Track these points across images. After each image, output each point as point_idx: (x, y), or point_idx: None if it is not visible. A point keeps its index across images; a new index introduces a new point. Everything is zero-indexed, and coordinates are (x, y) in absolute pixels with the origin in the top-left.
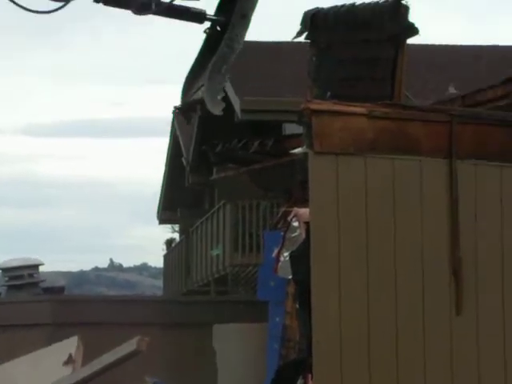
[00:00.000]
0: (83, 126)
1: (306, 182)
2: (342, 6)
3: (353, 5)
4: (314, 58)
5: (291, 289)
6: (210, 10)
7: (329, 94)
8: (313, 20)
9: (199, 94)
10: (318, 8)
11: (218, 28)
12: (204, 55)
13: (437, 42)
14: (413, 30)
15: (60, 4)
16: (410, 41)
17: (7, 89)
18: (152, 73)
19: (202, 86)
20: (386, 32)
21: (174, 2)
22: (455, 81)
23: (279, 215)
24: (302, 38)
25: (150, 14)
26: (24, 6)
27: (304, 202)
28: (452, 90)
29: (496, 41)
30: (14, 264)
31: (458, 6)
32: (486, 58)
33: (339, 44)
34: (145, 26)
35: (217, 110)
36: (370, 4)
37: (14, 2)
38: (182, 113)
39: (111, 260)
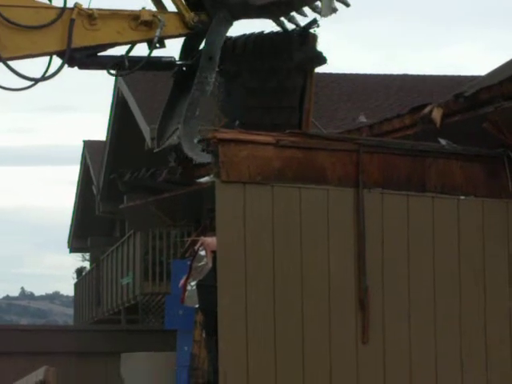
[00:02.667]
0: None
1: (214, 211)
2: (251, 34)
3: (261, 33)
4: (222, 87)
5: (199, 318)
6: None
7: (237, 122)
8: (221, 48)
9: (174, 139)
10: (226, 36)
11: (184, 69)
12: (174, 99)
13: (348, 71)
14: (321, 59)
15: (30, 83)
16: (321, 69)
17: None
18: (60, 100)
19: (176, 129)
20: (294, 61)
21: (144, 55)
22: (366, 110)
23: (187, 244)
24: None
25: (124, 71)
26: None
27: (212, 231)
28: (362, 119)
29: (406, 70)
30: None
31: (368, 37)
32: (397, 87)
33: (247, 72)
34: None
35: (195, 153)
36: (278, 33)
37: None
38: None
39: (22, 288)
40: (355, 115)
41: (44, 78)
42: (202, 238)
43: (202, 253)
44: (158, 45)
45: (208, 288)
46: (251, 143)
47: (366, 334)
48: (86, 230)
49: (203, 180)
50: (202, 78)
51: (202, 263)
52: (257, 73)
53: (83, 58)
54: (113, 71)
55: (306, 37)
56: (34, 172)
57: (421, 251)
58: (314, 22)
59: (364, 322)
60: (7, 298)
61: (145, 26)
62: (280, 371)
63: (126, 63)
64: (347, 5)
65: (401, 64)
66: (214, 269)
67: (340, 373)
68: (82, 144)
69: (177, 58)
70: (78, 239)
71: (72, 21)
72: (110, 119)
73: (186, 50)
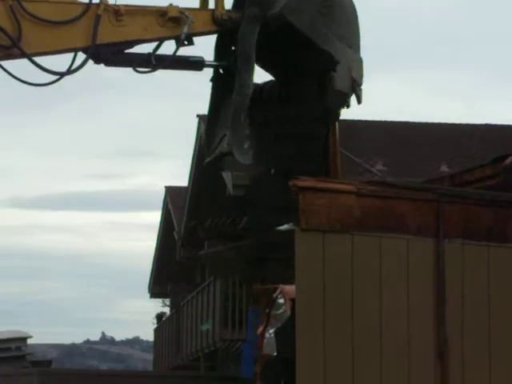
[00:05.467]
0: (71, 199)
1: (293, 259)
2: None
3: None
4: (252, 135)
5: (258, 369)
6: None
7: (273, 170)
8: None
9: (224, 147)
10: (254, 83)
11: (221, 71)
12: (216, 103)
13: (430, 120)
14: (333, 115)
15: (55, 77)
16: (403, 117)
17: None
18: (141, 146)
19: (224, 136)
20: (314, 112)
21: (172, 54)
22: (448, 159)
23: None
24: None
25: (151, 68)
26: (21, 78)
27: (291, 279)
28: (444, 169)
29: (487, 120)
30: (1, 337)
31: (446, 87)
32: (480, 137)
33: (274, 120)
34: (135, 100)
35: (245, 159)
36: (297, 81)
37: (12, 75)
38: (211, 166)
39: (103, 333)
40: (437, 164)
41: (69, 71)
42: (281, 286)
43: (281, 300)
44: (186, 42)
45: (286, 336)
46: (331, 192)
47: None
48: (166, 275)
49: (283, 228)
50: (241, 80)
51: (281, 311)
52: (283, 120)
53: (109, 54)
54: (140, 69)
55: (323, 88)
56: (114, 217)
57: (502, 303)
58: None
59: (443, 374)
60: (88, 342)
61: (172, 22)
62: None
63: (153, 61)
64: (359, 102)
65: (482, 114)
66: (292, 317)
67: None
68: (163, 190)
69: (209, 58)
70: (159, 285)
71: (98, 16)
72: (191, 165)
73: (218, 51)
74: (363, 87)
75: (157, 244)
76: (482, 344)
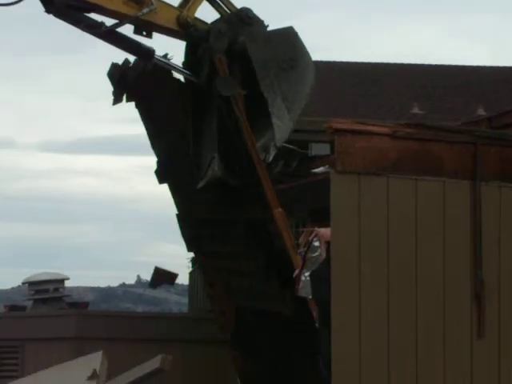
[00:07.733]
0: (103, 143)
1: (328, 202)
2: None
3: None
4: None
5: None
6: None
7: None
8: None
9: (216, 171)
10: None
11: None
12: (197, 123)
13: (467, 63)
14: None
15: None
16: (438, 61)
17: (26, 106)
18: None
19: (213, 158)
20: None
21: (124, 33)
22: (485, 102)
23: (302, 235)
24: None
25: (98, 33)
26: None
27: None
28: (481, 112)
29: None
30: (40, 278)
31: (475, 30)
32: None
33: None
34: (167, 45)
35: (239, 182)
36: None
37: None
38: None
39: (138, 276)
40: (474, 108)
41: None
42: (316, 229)
43: (316, 243)
44: (144, 32)
45: (322, 279)
46: (367, 134)
47: (482, 328)
48: None
49: (318, 170)
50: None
51: (316, 254)
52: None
53: (62, 7)
54: (86, 28)
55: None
56: (146, 161)
57: None
58: None
59: (480, 316)
60: (123, 285)
61: (135, 2)
62: (392, 362)
63: (104, 28)
64: (267, 160)
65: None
66: (327, 260)
67: (454, 366)
68: None
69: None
70: None
71: None
72: None
73: (189, 66)
74: None
75: None
76: None
